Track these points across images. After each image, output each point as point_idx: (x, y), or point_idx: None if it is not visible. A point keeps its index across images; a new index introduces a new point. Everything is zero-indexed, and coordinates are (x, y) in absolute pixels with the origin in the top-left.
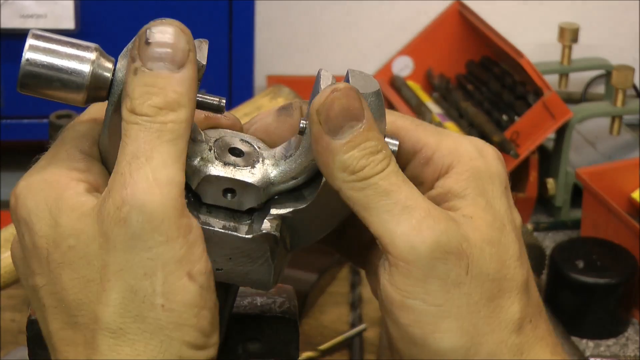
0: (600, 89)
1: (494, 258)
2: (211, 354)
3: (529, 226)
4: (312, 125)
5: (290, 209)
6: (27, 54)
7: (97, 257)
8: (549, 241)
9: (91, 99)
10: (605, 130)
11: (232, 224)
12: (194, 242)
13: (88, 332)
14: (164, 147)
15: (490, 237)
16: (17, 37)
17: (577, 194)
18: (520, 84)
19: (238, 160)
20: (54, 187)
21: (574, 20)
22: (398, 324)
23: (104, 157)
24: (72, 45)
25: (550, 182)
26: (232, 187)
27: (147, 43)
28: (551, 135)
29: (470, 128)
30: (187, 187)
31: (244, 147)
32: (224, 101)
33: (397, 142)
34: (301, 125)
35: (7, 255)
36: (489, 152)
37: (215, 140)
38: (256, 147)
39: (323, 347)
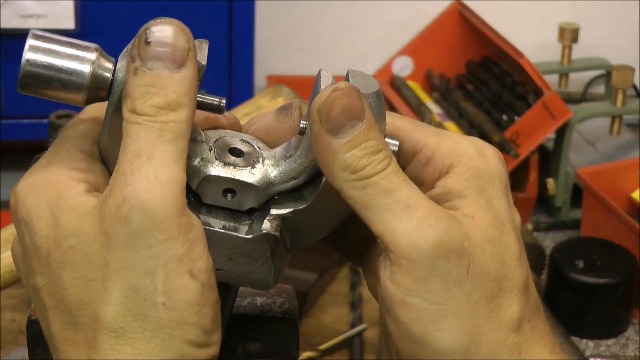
0: (600, 89)
1: (495, 257)
2: (213, 352)
3: (529, 226)
4: (313, 125)
5: (291, 209)
6: (27, 54)
7: (98, 256)
8: (549, 241)
9: (91, 99)
10: (605, 130)
11: (232, 224)
12: (195, 240)
13: (89, 332)
14: (165, 146)
15: (491, 237)
16: (17, 37)
17: (577, 194)
18: (520, 84)
19: (238, 160)
20: (54, 187)
21: (574, 20)
22: (398, 321)
23: (104, 157)
24: (72, 45)
25: (550, 182)
26: (232, 187)
27: (147, 42)
28: (551, 135)
29: (470, 128)
30: (187, 188)
31: (244, 148)
32: (224, 101)
33: (397, 143)
34: (301, 125)
35: (7, 255)
36: (489, 152)
37: (216, 141)
38: (256, 148)
39: (323, 347)
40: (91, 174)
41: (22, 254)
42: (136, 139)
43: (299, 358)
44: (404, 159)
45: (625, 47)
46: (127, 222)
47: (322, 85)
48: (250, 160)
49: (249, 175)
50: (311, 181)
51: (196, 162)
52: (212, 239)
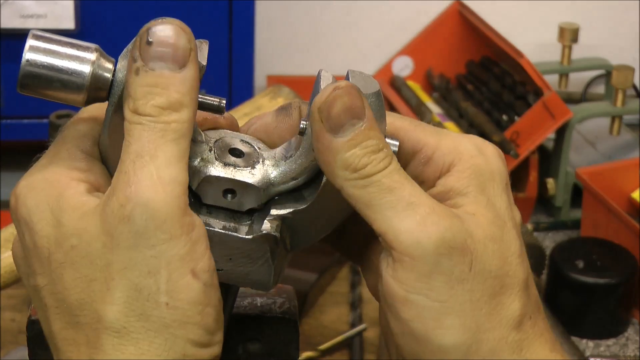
0: (600, 89)
1: (496, 255)
2: (215, 352)
3: (529, 226)
4: (314, 124)
5: (291, 210)
6: (27, 55)
7: (100, 256)
8: (549, 241)
9: (91, 100)
10: (605, 130)
11: (232, 224)
12: (197, 240)
13: (91, 332)
14: (167, 146)
15: (493, 234)
16: (17, 37)
17: (577, 194)
18: (520, 84)
19: (238, 160)
20: (55, 187)
21: (574, 20)
22: (400, 319)
23: (104, 157)
24: (72, 45)
25: (550, 182)
26: (232, 187)
27: (148, 43)
28: (551, 135)
29: (470, 128)
30: (188, 188)
31: (244, 148)
32: (224, 102)
33: (397, 143)
34: (301, 125)
35: (7, 255)
36: (489, 150)
37: (216, 141)
38: (256, 148)
39: (323, 347)
40: (92, 174)
41: (22, 253)
42: (139, 139)
43: (299, 358)
44: (404, 158)
45: (625, 47)
46: (130, 222)
47: (322, 85)
48: (251, 160)
49: (249, 176)
50: (311, 181)
51: (196, 162)
52: (212, 240)
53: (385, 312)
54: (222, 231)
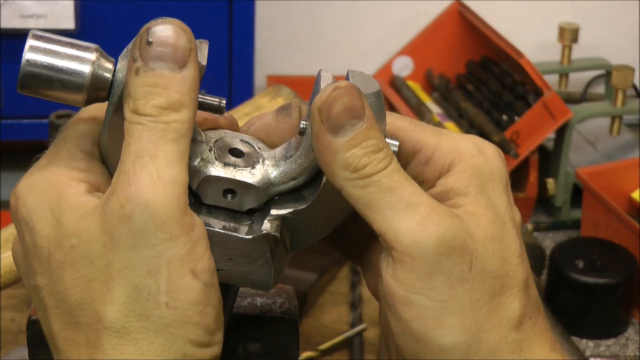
0: (600, 89)
1: (497, 255)
2: (215, 352)
3: (529, 226)
4: (314, 124)
5: (291, 210)
6: (27, 55)
7: (100, 256)
8: (549, 241)
9: (91, 100)
10: (605, 130)
11: (232, 224)
12: (197, 240)
13: (91, 332)
14: (167, 146)
15: (493, 234)
16: (17, 37)
17: (577, 194)
18: (520, 84)
19: (238, 160)
20: (55, 187)
21: (574, 20)
22: (400, 319)
23: (104, 157)
24: (72, 45)
25: (550, 182)
26: (232, 187)
27: (148, 43)
28: (551, 135)
29: (470, 128)
30: (188, 188)
31: (244, 148)
32: (224, 102)
33: (397, 143)
34: (301, 125)
35: (7, 255)
36: (489, 150)
37: (216, 141)
38: (256, 148)
39: (323, 347)
40: (92, 174)
41: (22, 253)
42: (139, 139)
43: (299, 358)
44: (404, 158)
45: (625, 47)
46: (130, 222)
47: (322, 85)
48: (251, 160)
49: (249, 176)
50: (311, 181)
51: (196, 162)
52: (212, 240)
53: (385, 312)
54: (222, 231)
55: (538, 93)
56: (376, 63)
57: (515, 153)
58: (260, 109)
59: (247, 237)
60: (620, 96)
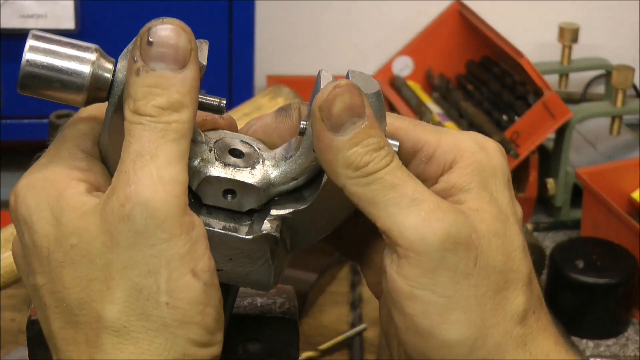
0: (600, 89)
1: (500, 250)
2: (215, 352)
3: (529, 226)
4: (315, 123)
5: (291, 210)
6: (27, 55)
7: (99, 256)
8: (549, 241)
9: (91, 100)
10: (605, 130)
11: (232, 224)
12: (197, 240)
13: (90, 331)
14: (168, 146)
15: (496, 229)
16: (17, 37)
17: (577, 194)
18: (520, 84)
19: (238, 161)
20: (54, 186)
21: (574, 20)
22: (405, 314)
23: (104, 156)
24: (72, 46)
25: (550, 182)
26: (233, 187)
27: (149, 43)
28: (551, 135)
29: (470, 128)
30: (188, 188)
31: (244, 149)
32: (224, 102)
33: (397, 143)
34: (301, 125)
35: (7, 255)
36: (490, 146)
37: (216, 142)
38: (256, 149)
39: (323, 347)
40: (92, 173)
41: (22, 252)
42: (139, 139)
43: (299, 358)
44: (405, 158)
45: (625, 47)
46: (129, 221)
47: (322, 84)
48: (251, 161)
49: (249, 176)
50: (311, 182)
51: (196, 162)
52: (213, 240)
53: (390, 308)
54: (222, 231)
55: (538, 93)
56: (376, 63)
57: (515, 153)
58: (260, 109)
59: (247, 237)
60: (620, 96)
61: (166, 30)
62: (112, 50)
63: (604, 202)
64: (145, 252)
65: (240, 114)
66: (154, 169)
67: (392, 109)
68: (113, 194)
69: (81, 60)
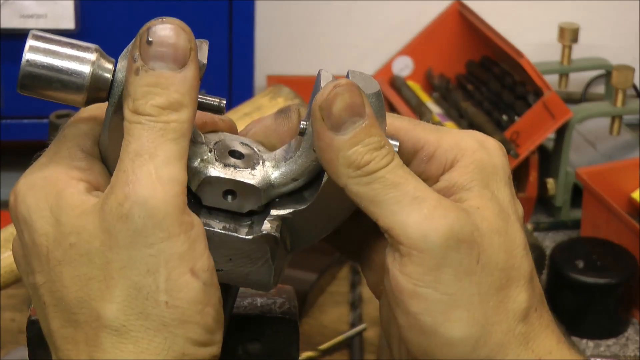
0: (600, 89)
1: (502, 248)
2: (215, 351)
3: (529, 226)
4: (315, 122)
5: (291, 210)
6: (27, 55)
7: (98, 254)
8: (549, 241)
9: (91, 100)
10: (605, 130)
11: (232, 225)
12: (195, 239)
13: (90, 330)
14: (167, 145)
15: (498, 227)
16: (17, 37)
17: (577, 194)
18: (520, 84)
19: (238, 162)
20: (54, 185)
21: (574, 20)
22: (408, 312)
23: (104, 156)
24: (72, 46)
25: (550, 182)
26: (233, 188)
27: (149, 42)
28: (551, 135)
29: (470, 128)
30: (188, 189)
31: (244, 150)
32: (224, 102)
33: (397, 143)
34: (301, 126)
35: (7, 255)
36: (491, 144)
37: (215, 143)
38: (256, 150)
39: (323, 347)
40: (91, 173)
41: (21, 251)
42: (138, 138)
43: (299, 358)
44: (406, 158)
45: (625, 47)
46: (128, 220)
47: (323, 84)
48: (251, 162)
49: (250, 177)
50: (311, 182)
51: (196, 163)
52: (213, 240)
53: (392, 306)
54: (222, 231)
55: (538, 93)
56: (376, 63)
57: (515, 153)
58: (260, 109)
59: (247, 237)
60: (620, 96)
61: (166, 30)
62: (112, 50)
63: (604, 202)
64: (144, 251)
65: (240, 114)
66: (152, 168)
67: (392, 109)
68: (112, 193)
69: (81, 60)
